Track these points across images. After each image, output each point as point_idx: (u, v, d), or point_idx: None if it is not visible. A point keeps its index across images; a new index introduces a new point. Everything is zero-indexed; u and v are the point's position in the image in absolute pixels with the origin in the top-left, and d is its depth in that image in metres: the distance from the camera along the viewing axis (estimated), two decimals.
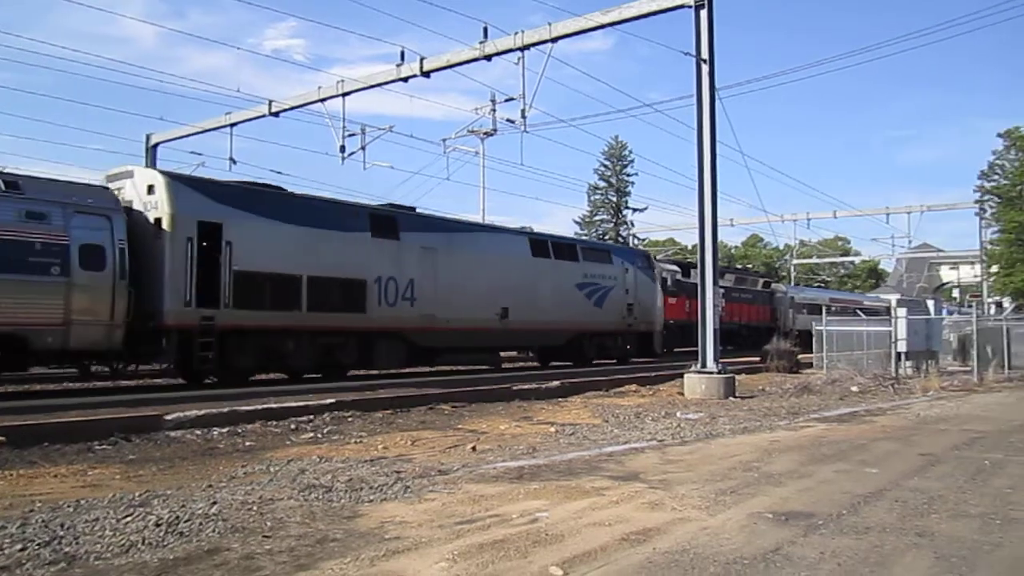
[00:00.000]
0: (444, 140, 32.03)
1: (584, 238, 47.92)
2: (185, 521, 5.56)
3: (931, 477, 7.67)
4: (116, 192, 15.78)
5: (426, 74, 22.72)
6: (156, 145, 30.65)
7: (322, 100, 25.24)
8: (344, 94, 24.69)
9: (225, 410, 11.34)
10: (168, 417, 10.66)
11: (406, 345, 19.81)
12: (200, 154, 29.08)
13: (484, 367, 22.36)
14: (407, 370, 20.79)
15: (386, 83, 23.87)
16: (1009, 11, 64.35)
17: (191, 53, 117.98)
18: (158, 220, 15.40)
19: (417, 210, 21.89)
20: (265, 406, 11.88)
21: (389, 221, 19.92)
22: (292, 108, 26.30)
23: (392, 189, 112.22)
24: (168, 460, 8.85)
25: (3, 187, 13.80)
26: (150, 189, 15.69)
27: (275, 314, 16.97)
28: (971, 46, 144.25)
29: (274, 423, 11.31)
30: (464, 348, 21.69)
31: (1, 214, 13.43)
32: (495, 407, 14.06)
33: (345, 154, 25.55)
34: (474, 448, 9.40)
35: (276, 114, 26.48)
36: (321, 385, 15.99)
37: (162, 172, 17.02)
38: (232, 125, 27.62)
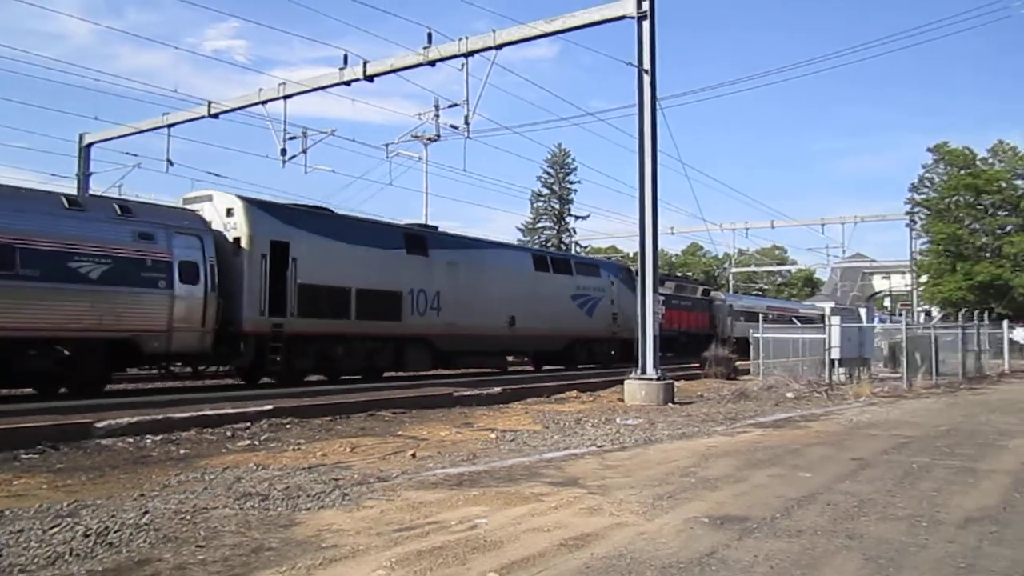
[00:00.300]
0: (387, 145, 31.92)
1: (577, 254, 49.46)
2: (115, 531, 5.43)
3: (862, 481, 7.86)
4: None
5: (369, 78, 22.60)
6: (90, 145, 29.92)
7: (263, 102, 24.89)
8: (285, 96, 24.40)
9: (159, 417, 11.08)
10: (99, 425, 10.38)
11: (432, 350, 21.99)
12: (136, 155, 28.57)
13: (491, 370, 24.78)
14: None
15: (328, 86, 23.67)
16: (937, 30, 66.96)
17: (128, 51, 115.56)
18: (237, 239, 17.45)
19: (439, 229, 24.73)
20: (200, 413, 11.64)
21: (420, 239, 22.43)
22: (232, 110, 25.91)
23: (334, 193, 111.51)
24: (98, 469, 8.60)
25: (119, 211, 15.96)
26: (229, 212, 17.75)
27: (330, 322, 19.11)
28: (904, 63, 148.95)
29: (210, 430, 11.07)
30: (478, 352, 24.00)
31: (119, 235, 15.43)
32: (436, 413, 14.01)
33: (286, 157, 25.25)
34: (414, 455, 9.36)
35: (216, 115, 26.03)
36: (259, 392, 15.89)
37: (240, 197, 18.54)
38: (170, 126, 27.07)
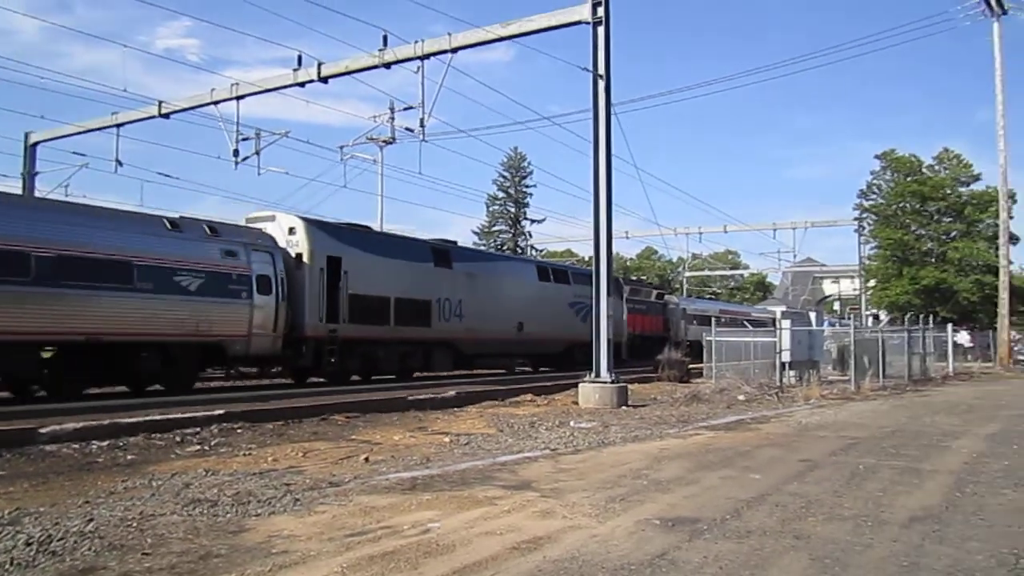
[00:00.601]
0: (342, 147, 31.65)
1: (573, 264, 51.34)
2: (58, 539, 5.32)
3: (810, 482, 8.00)
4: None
5: (324, 79, 22.41)
6: (35, 144, 29.21)
7: (215, 102, 24.53)
8: (238, 97, 24.08)
9: (106, 422, 10.86)
10: (43, 430, 10.14)
11: (455, 352, 24.50)
12: (83, 155, 27.95)
13: (500, 371, 27.17)
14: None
15: (282, 87, 23.42)
16: (884, 40, 68.31)
17: (76, 49, 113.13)
18: (299, 255, 19.86)
19: (458, 243, 27.49)
20: (149, 418, 11.43)
21: (445, 253, 25.02)
22: (183, 110, 25.47)
23: (288, 195, 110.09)
24: (42, 476, 8.40)
25: (209, 232, 18.25)
26: (291, 230, 20.18)
27: (374, 328, 21.57)
28: (852, 73, 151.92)
29: (158, 436, 10.87)
30: (493, 354, 26.65)
31: (210, 253, 17.78)
32: (390, 418, 13.93)
33: (239, 158, 24.91)
34: (367, 459, 9.29)
35: (166, 115, 25.56)
36: (211, 396, 15.69)
37: (301, 217, 20.99)
38: (119, 125, 26.51)
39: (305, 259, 19.85)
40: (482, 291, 25.50)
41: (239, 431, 11.68)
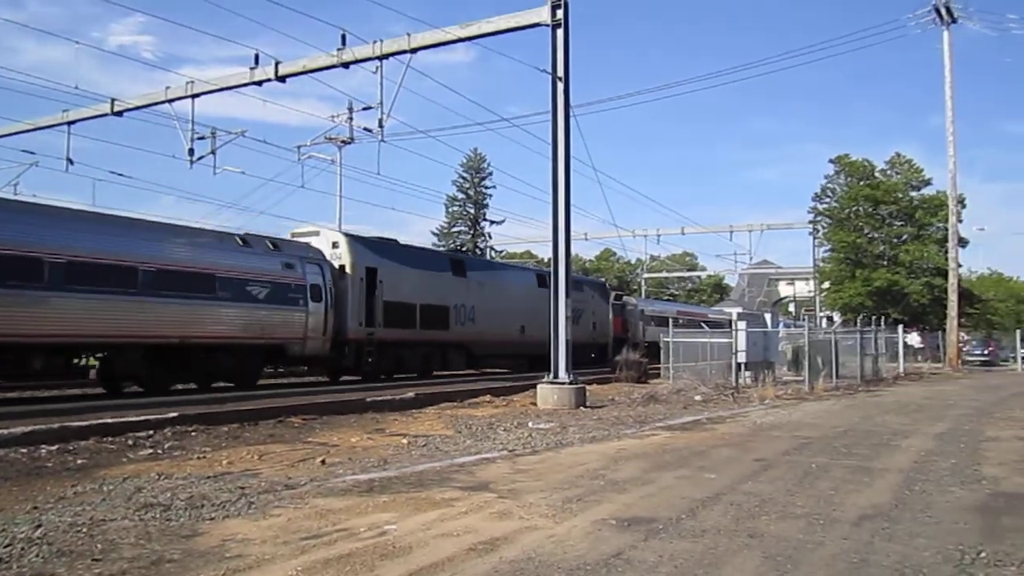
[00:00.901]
0: (299, 147, 31.35)
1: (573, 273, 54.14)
2: (5, 546, 5.22)
3: (764, 481, 8.11)
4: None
5: (281, 79, 22.17)
6: None
7: (170, 101, 24.12)
8: (194, 95, 23.70)
9: (55, 426, 10.63)
10: None
11: (468, 353, 26.98)
12: (33, 153, 27.32)
13: (505, 370, 29.18)
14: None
15: (239, 86, 23.11)
16: (838, 46, 69.42)
17: (28, 45, 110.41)
18: (342, 267, 22.50)
19: (468, 253, 33.26)
20: (100, 421, 11.21)
21: (460, 263, 28.17)
22: (137, 108, 24.99)
23: (244, 195, 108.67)
24: None
25: (272, 247, 20.87)
26: (335, 244, 22.91)
27: (403, 331, 24.12)
28: (807, 78, 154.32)
29: (110, 439, 10.65)
30: (499, 355, 28.93)
31: (273, 266, 20.29)
32: (347, 419, 13.82)
33: (194, 158, 24.53)
34: (323, 461, 9.23)
35: (119, 113, 25.06)
36: (164, 398, 15.42)
37: (344, 233, 24.12)
38: (70, 123, 25.91)
39: (348, 270, 22.49)
40: (491, 297, 28.02)
41: (193, 434, 11.51)
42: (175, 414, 12.17)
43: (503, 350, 28.94)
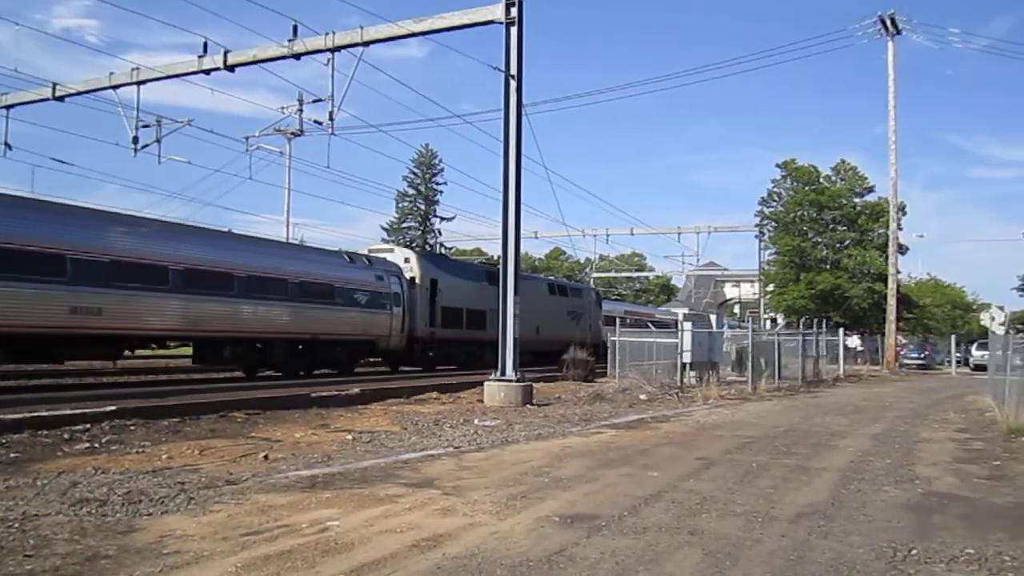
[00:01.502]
0: (247, 138, 30.84)
1: (571, 281, 63.86)
2: None
3: (705, 479, 8.23)
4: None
5: (230, 68, 21.77)
6: None
7: (114, 87, 23.53)
8: (139, 82, 23.16)
9: None
10: None
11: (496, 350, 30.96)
12: None
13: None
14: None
15: (186, 74, 22.65)
16: (785, 54, 70.59)
17: None
18: (412, 279, 27.34)
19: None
20: (34, 414, 10.89)
21: (493, 274, 29.16)
22: (80, 93, 24.33)
23: (190, 186, 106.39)
24: None
25: (368, 263, 25.97)
26: (406, 260, 28.20)
27: (455, 331, 29.14)
28: (755, 85, 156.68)
29: (45, 433, 10.36)
30: (522, 352, 31.73)
31: (370, 277, 25.22)
32: (292, 415, 13.65)
33: (138, 146, 23.99)
34: (266, 457, 9.12)
35: (61, 98, 24.39)
36: (105, 391, 15.11)
37: (413, 250, 32.66)
38: (8, 107, 25.15)
39: (417, 280, 27.47)
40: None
41: (132, 428, 11.24)
42: (113, 407, 11.88)
43: (525, 347, 31.35)
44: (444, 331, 28.35)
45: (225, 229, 25.11)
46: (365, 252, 28.33)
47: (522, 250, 19.16)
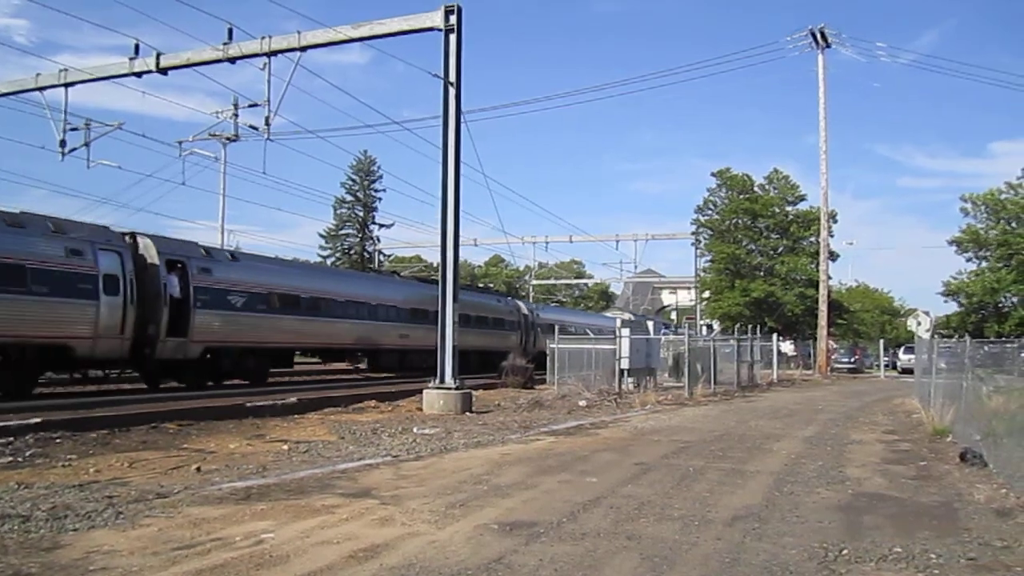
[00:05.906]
0: (180, 143, 30.24)
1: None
2: None
3: (643, 484, 8.30)
4: None
5: (163, 71, 21.35)
6: None
7: (40, 88, 22.88)
8: (67, 84, 22.56)
9: None
10: None
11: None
12: None
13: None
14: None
15: (117, 76, 22.14)
16: (720, 66, 71.78)
17: None
18: (525, 315, 39.57)
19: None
20: None
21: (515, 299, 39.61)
22: (4, 94, 23.61)
23: (120, 191, 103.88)
24: None
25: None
26: (519, 307, 40.45)
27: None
28: (697, 93, 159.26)
29: None
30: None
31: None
32: (226, 425, 13.38)
33: (65, 150, 23.35)
34: (199, 468, 8.91)
35: None
36: (29, 403, 14.50)
37: (523, 302, 44.59)
38: None
39: (524, 312, 40.42)
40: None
41: (58, 441, 10.88)
42: (38, 420, 11.50)
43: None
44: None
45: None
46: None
47: (461, 257, 19.13)
